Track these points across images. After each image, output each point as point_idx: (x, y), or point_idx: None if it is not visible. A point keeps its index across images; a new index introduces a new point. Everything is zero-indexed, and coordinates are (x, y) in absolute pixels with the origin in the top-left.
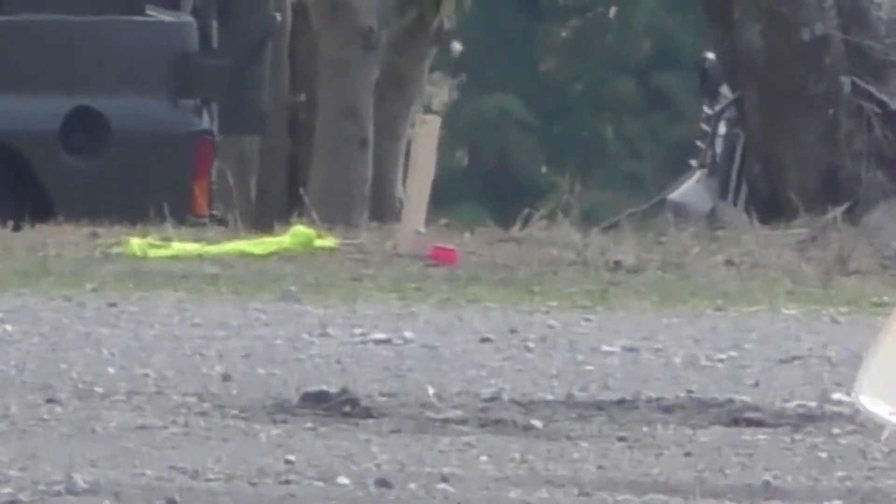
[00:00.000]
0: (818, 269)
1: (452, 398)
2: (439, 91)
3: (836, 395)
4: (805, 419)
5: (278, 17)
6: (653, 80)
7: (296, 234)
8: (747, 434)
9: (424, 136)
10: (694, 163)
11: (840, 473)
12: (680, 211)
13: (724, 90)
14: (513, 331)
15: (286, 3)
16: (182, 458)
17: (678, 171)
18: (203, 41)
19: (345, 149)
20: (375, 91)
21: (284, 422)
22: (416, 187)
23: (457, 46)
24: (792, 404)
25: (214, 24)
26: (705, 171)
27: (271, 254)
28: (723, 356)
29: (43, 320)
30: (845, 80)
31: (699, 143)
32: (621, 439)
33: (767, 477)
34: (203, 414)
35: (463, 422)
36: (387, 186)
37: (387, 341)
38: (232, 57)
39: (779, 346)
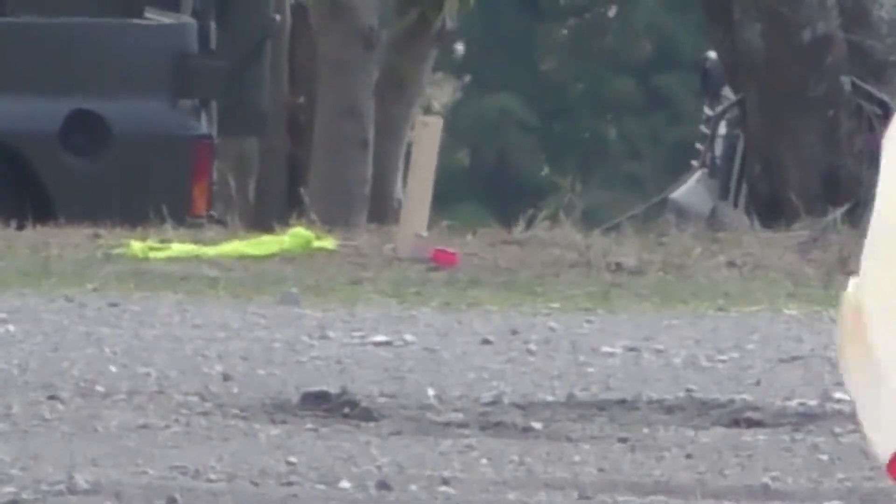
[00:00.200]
0: (819, 269)
1: (453, 401)
2: (441, 92)
3: (838, 396)
4: (806, 419)
5: (277, 17)
6: (653, 80)
7: (294, 235)
8: (748, 435)
9: (425, 139)
10: (695, 163)
11: (841, 474)
12: (680, 212)
13: (726, 91)
14: (514, 333)
15: (285, 4)
16: (183, 458)
17: (678, 171)
18: (202, 42)
19: (345, 149)
20: (376, 92)
21: (285, 422)
22: (416, 190)
23: (459, 47)
24: (793, 404)
25: (213, 25)
26: (706, 171)
27: (270, 255)
28: (724, 357)
29: (44, 320)
30: (846, 81)
31: (699, 145)
32: (622, 440)
33: (768, 478)
34: (204, 414)
35: (463, 424)
36: (387, 187)
37: (387, 343)
38: (231, 58)
39: (780, 346)
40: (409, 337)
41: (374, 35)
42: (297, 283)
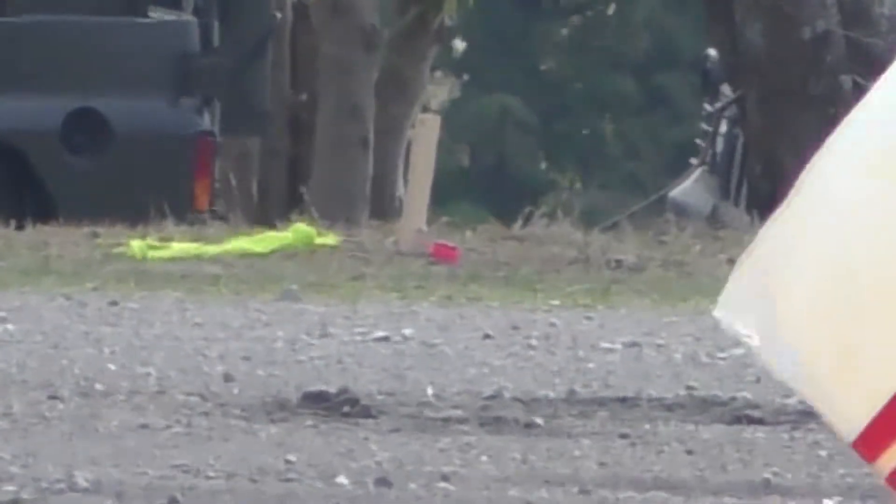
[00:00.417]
0: None
1: (453, 397)
2: (440, 90)
3: None
4: (806, 416)
5: (279, 16)
6: (653, 79)
7: (297, 231)
8: (748, 431)
9: (424, 136)
10: (694, 161)
11: (841, 471)
12: (680, 210)
13: (725, 89)
14: (514, 328)
15: (287, 3)
16: (183, 457)
17: (677, 170)
18: (204, 41)
19: (346, 148)
20: (376, 90)
21: (285, 421)
22: (416, 186)
23: (459, 45)
24: (792, 401)
25: (215, 23)
26: (706, 169)
27: (272, 251)
28: (724, 354)
29: (44, 319)
30: (846, 79)
31: (699, 143)
32: (623, 436)
33: (768, 474)
34: (204, 413)
35: (463, 420)
36: (387, 185)
37: (387, 339)
38: (233, 57)
39: None
40: (409, 332)
41: (375, 34)
42: (298, 279)
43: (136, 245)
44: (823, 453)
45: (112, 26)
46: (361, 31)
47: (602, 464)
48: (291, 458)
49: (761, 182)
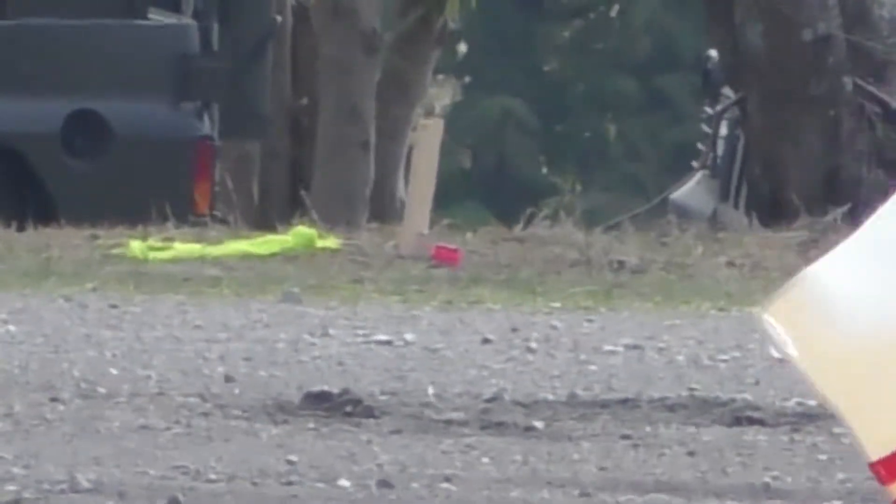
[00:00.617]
0: None
1: (454, 399)
2: (442, 92)
3: None
4: (806, 419)
5: (279, 19)
6: (654, 81)
7: (297, 234)
8: (749, 434)
9: (427, 140)
10: (695, 164)
11: (841, 474)
12: (681, 212)
13: (726, 91)
14: (515, 331)
15: (287, 5)
16: (184, 458)
17: (678, 172)
18: (204, 44)
19: (347, 151)
20: (378, 93)
21: (286, 422)
22: (418, 191)
23: (462, 48)
24: (792, 404)
25: (215, 26)
26: (707, 172)
27: (273, 254)
28: (725, 356)
29: (45, 321)
30: (847, 81)
31: (700, 146)
32: (624, 438)
33: (768, 477)
34: (205, 414)
35: (464, 423)
36: (388, 188)
37: (388, 342)
38: (233, 59)
39: None
40: (410, 335)
41: (376, 37)
42: (299, 282)
43: (136, 246)
44: (823, 457)
45: (112, 29)
46: (362, 35)
47: (603, 466)
48: (293, 459)
49: (762, 184)
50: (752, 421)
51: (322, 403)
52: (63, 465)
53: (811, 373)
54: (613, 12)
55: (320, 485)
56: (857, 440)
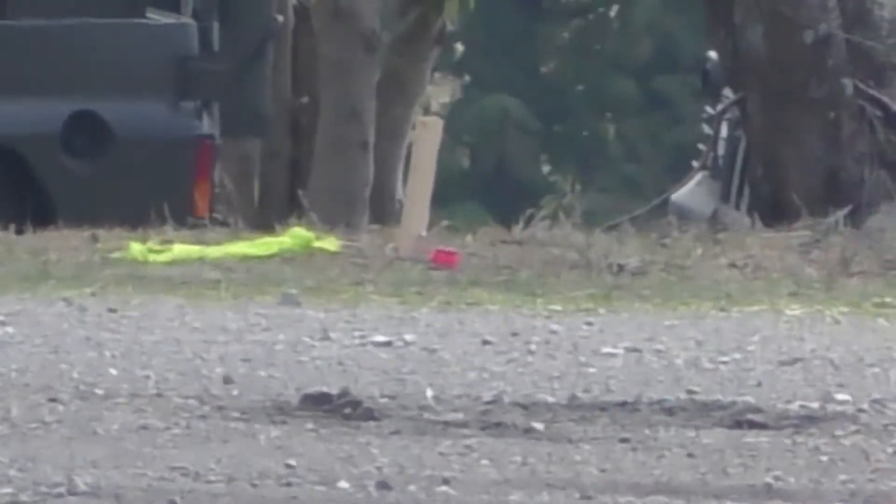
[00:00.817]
0: (821, 271)
1: (453, 401)
2: (441, 92)
3: (839, 397)
4: (807, 421)
5: (280, 19)
6: (653, 81)
7: (294, 235)
8: (750, 436)
9: (425, 139)
10: (696, 164)
11: (843, 476)
12: (682, 213)
13: (727, 92)
14: (514, 334)
15: (288, 5)
16: (183, 460)
17: (678, 173)
18: (204, 44)
19: (346, 151)
20: (377, 93)
21: (285, 423)
22: (416, 191)
23: (459, 48)
24: (794, 405)
25: (215, 26)
26: (707, 173)
27: (272, 256)
28: (725, 358)
29: (44, 323)
30: (847, 83)
31: (700, 146)
32: (623, 441)
33: (769, 479)
34: (204, 416)
35: (464, 424)
36: (387, 188)
37: (387, 344)
38: (233, 59)
39: (781, 347)
40: (409, 337)
41: (375, 38)
42: (298, 284)
43: (136, 248)
44: (825, 458)
45: (111, 29)
46: (361, 35)
47: (603, 468)
48: (292, 461)
49: (763, 185)
50: (753, 424)
51: (321, 405)
52: (61, 467)
53: None
54: (613, 13)
55: (319, 487)
56: None
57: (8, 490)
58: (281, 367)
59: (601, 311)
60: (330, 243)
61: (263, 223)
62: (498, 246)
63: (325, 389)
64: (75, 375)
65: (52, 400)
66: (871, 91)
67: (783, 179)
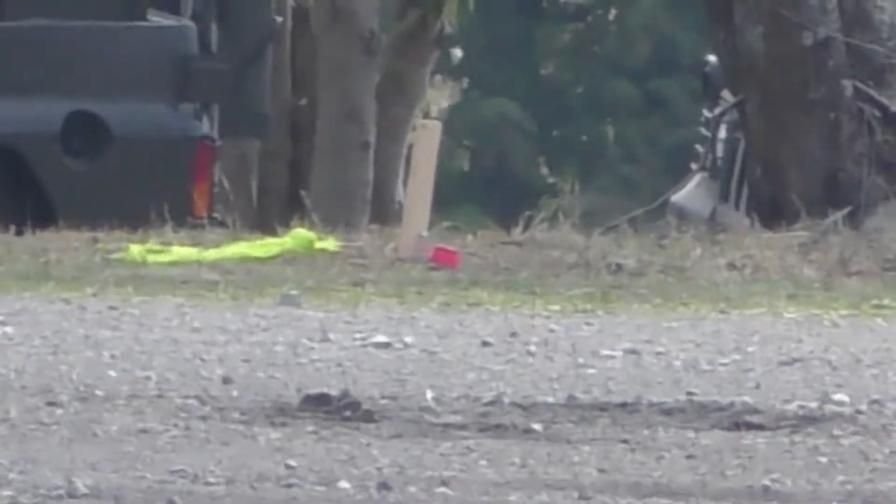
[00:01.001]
0: (819, 272)
1: (453, 402)
2: (440, 94)
3: (837, 398)
4: (806, 421)
5: (279, 20)
6: (652, 84)
7: (296, 236)
8: (748, 437)
9: (425, 141)
10: (695, 166)
11: (841, 477)
12: (681, 214)
13: (726, 94)
14: (514, 334)
15: (287, 7)
16: (183, 462)
17: (676, 175)
18: (203, 45)
19: (346, 152)
20: (377, 94)
21: (285, 425)
22: (416, 192)
23: (457, 52)
24: (792, 406)
25: (214, 27)
26: (706, 174)
27: (272, 256)
28: (724, 359)
29: (44, 324)
30: (846, 84)
31: (699, 148)
32: (623, 442)
33: (768, 480)
34: (204, 417)
35: (463, 425)
36: (387, 190)
37: (387, 345)
38: (232, 61)
39: (780, 348)
40: (409, 338)
41: (375, 39)
42: (298, 284)
43: (135, 249)
44: (823, 459)
45: (111, 30)
46: (361, 37)
47: (602, 469)
48: (292, 462)
49: (761, 186)
50: (751, 426)
51: (321, 406)
52: (60, 469)
53: None
54: (611, 15)
55: (319, 488)
56: None
57: (7, 492)
58: (281, 368)
59: (600, 312)
60: (331, 244)
61: (263, 224)
62: (497, 247)
63: (325, 390)
64: (75, 377)
65: (52, 402)
66: (871, 92)
67: (782, 180)
